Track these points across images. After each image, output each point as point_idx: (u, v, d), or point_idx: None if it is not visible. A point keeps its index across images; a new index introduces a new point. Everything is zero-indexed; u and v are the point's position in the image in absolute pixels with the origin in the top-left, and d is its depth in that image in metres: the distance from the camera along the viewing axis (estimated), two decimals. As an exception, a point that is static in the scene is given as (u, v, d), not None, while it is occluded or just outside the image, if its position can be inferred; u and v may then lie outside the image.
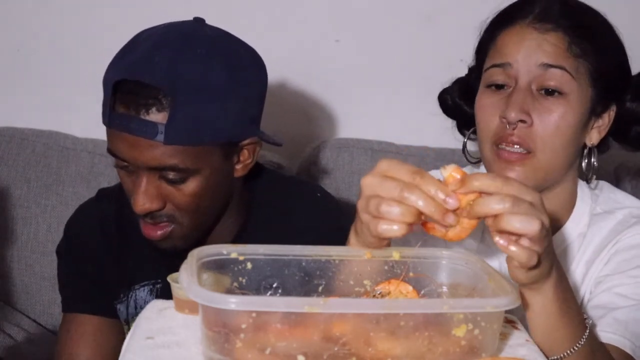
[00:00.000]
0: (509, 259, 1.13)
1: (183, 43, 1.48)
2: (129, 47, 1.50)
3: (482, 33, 1.51)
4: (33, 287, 2.10)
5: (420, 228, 1.13)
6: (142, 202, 1.47)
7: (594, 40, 1.43)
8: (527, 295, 1.18)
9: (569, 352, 1.21)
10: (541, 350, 1.20)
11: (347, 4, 2.25)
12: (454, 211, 1.08)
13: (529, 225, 1.06)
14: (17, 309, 2.10)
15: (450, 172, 1.10)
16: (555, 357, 1.21)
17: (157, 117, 1.43)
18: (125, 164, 1.48)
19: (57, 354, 1.73)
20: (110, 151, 1.49)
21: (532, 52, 1.40)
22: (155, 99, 1.42)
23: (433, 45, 2.24)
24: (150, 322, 1.23)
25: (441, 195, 1.07)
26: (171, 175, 1.46)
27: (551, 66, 1.39)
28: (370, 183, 1.11)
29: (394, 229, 1.09)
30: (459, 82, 1.60)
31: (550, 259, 1.15)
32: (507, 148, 1.40)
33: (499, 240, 1.08)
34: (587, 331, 1.23)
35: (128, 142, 1.45)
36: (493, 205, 1.07)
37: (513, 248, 1.08)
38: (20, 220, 2.10)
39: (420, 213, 1.08)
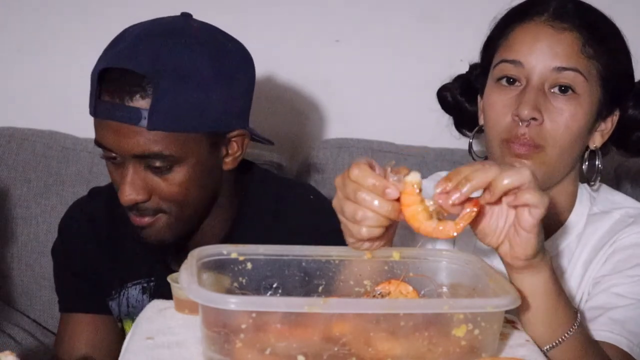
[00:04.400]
0: (511, 238, 1.14)
1: (168, 33, 1.49)
2: (115, 41, 1.51)
3: (492, 29, 1.51)
4: (33, 287, 2.10)
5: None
6: (128, 192, 1.47)
7: (606, 42, 1.43)
8: (529, 279, 1.18)
9: (565, 336, 1.22)
10: (538, 342, 1.21)
11: (347, 4, 2.25)
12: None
13: (519, 176, 1.08)
14: (17, 309, 2.10)
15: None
16: (553, 344, 1.23)
17: (140, 103, 1.43)
18: (112, 154, 1.48)
19: (56, 354, 1.74)
20: (97, 142, 1.50)
21: (546, 55, 1.40)
22: (138, 86, 1.43)
23: (433, 45, 2.24)
24: (150, 322, 1.23)
25: (380, 187, 1.09)
26: (157, 163, 1.46)
27: (565, 69, 1.40)
28: (338, 183, 1.14)
29: (374, 232, 1.11)
30: (460, 79, 1.60)
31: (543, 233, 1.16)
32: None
33: (507, 198, 1.10)
34: (578, 316, 1.24)
35: (113, 130, 1.45)
36: (482, 176, 1.08)
37: (524, 196, 1.09)
38: (20, 220, 2.10)
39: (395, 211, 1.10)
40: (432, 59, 2.20)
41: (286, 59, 2.19)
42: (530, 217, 1.11)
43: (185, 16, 1.56)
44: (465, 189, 1.08)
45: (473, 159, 1.57)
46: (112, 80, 1.45)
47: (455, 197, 1.09)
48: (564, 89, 1.40)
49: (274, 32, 2.21)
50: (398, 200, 1.10)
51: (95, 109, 1.47)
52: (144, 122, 1.43)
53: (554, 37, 1.41)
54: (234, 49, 1.54)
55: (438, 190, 1.10)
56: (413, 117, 2.21)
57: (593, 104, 1.42)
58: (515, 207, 1.12)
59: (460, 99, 1.58)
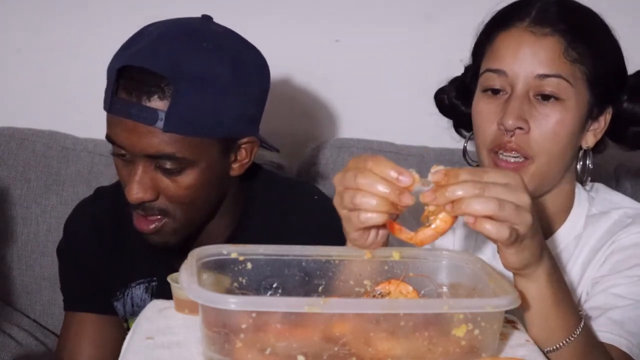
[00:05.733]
0: (497, 246, 1.14)
1: (189, 36, 1.48)
2: (135, 38, 1.51)
3: (478, 34, 1.51)
4: (33, 287, 2.10)
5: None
6: (136, 191, 1.47)
7: (591, 43, 1.42)
8: (522, 284, 1.19)
9: (564, 342, 1.23)
10: (537, 343, 1.22)
11: (347, 4, 2.25)
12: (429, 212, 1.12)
13: (485, 206, 1.08)
14: (17, 309, 2.10)
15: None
16: (551, 349, 1.23)
17: (158, 104, 1.43)
18: (123, 152, 1.48)
19: (59, 353, 1.74)
20: (108, 138, 1.49)
21: (528, 62, 1.39)
22: (157, 87, 1.43)
23: (433, 45, 2.24)
24: (150, 322, 1.23)
25: (393, 174, 1.09)
26: (168, 164, 1.46)
27: (547, 76, 1.39)
28: (337, 179, 1.15)
29: (374, 217, 1.11)
30: (455, 81, 1.60)
31: (538, 240, 1.16)
32: (505, 155, 1.40)
33: (468, 219, 1.09)
34: (582, 323, 1.24)
35: (127, 128, 1.45)
36: (457, 192, 1.08)
37: (483, 225, 1.09)
38: (20, 220, 2.10)
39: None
40: (432, 59, 2.20)
41: (286, 59, 2.19)
42: (499, 244, 1.13)
43: (207, 19, 1.56)
44: (434, 199, 1.10)
45: (468, 163, 1.57)
46: (131, 78, 1.44)
47: (429, 199, 1.10)
48: (547, 96, 1.39)
49: (273, 32, 2.21)
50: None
51: (111, 106, 1.47)
52: (160, 124, 1.43)
53: (535, 43, 1.40)
54: (252, 56, 1.55)
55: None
56: (413, 117, 2.21)
57: (581, 107, 1.41)
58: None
59: (456, 102, 1.58)
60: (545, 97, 1.39)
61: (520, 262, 1.15)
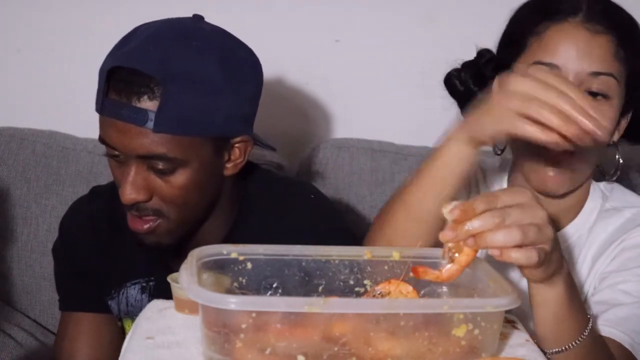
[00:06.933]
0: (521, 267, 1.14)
1: (179, 36, 1.48)
2: (125, 39, 1.51)
3: (516, 21, 1.49)
4: (33, 287, 2.10)
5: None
6: (129, 192, 1.47)
7: (634, 44, 1.43)
8: (542, 290, 1.19)
9: (574, 343, 1.23)
10: (545, 344, 1.22)
11: (347, 4, 2.25)
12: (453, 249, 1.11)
13: (510, 237, 1.07)
14: (17, 309, 2.10)
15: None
16: (560, 349, 1.23)
17: (147, 104, 1.43)
18: (116, 152, 1.48)
19: (56, 353, 1.74)
20: (101, 139, 1.50)
21: (582, 59, 1.39)
22: (147, 87, 1.43)
23: (433, 45, 2.24)
24: (150, 322, 1.23)
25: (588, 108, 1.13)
26: (160, 165, 1.46)
27: (600, 74, 1.39)
28: (523, 83, 1.16)
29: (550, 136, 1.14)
30: (469, 67, 1.59)
31: (558, 250, 1.16)
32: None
33: (493, 252, 1.09)
34: (590, 324, 1.24)
35: (118, 129, 1.45)
36: (477, 225, 1.08)
37: (510, 255, 1.08)
38: (20, 220, 2.10)
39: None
40: (432, 59, 2.19)
41: (286, 59, 2.19)
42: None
43: (198, 19, 1.56)
44: (455, 236, 1.09)
45: (494, 152, 1.56)
46: (121, 79, 1.45)
47: (450, 237, 1.09)
48: (595, 94, 1.39)
49: (273, 32, 2.21)
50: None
51: (102, 107, 1.47)
52: (150, 124, 1.43)
53: (590, 40, 1.39)
54: (244, 54, 1.54)
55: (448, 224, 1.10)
56: (413, 117, 2.21)
57: (620, 105, 1.42)
58: None
59: (474, 88, 1.57)
60: (593, 94, 1.39)
61: (548, 275, 1.16)
